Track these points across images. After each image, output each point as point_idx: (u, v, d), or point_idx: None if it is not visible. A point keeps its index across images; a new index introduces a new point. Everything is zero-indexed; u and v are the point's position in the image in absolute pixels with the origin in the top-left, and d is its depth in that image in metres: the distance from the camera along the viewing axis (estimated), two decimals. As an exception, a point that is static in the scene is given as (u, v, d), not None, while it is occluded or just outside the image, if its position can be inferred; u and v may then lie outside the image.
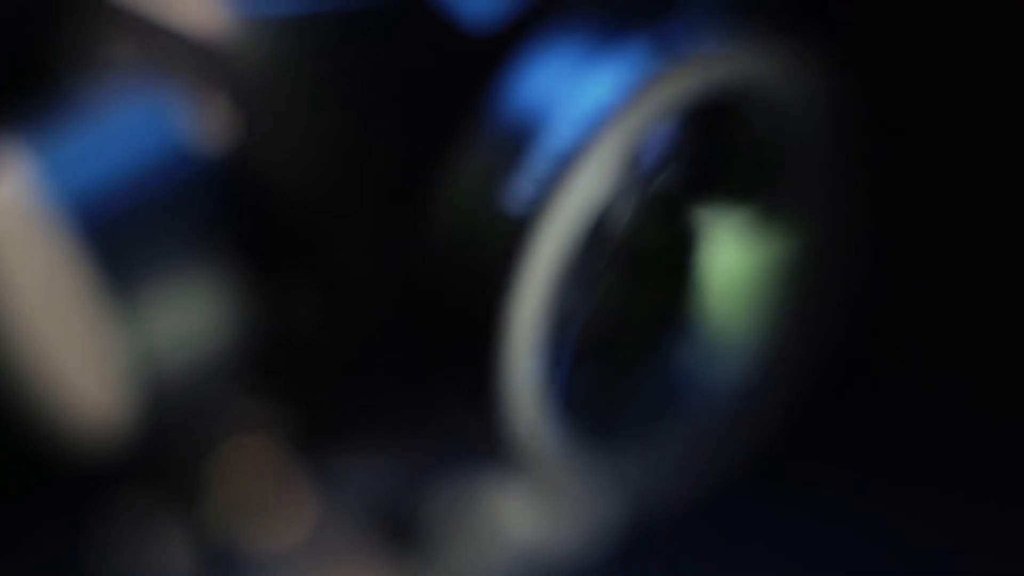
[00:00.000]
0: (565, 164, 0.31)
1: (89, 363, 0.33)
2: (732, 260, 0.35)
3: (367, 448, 0.36)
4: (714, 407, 0.36)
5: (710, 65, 0.32)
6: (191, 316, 0.33)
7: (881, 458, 0.45)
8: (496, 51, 0.32)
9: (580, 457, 0.34)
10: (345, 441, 0.35)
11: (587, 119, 0.31)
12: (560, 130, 0.31)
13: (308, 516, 0.37)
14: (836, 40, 0.33)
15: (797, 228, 0.35)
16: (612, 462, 0.34)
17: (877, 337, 0.44)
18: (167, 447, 0.38)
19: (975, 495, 0.44)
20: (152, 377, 0.33)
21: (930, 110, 0.41)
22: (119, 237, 0.32)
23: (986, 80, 0.40)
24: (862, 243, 0.35)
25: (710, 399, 0.36)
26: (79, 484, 0.42)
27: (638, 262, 0.34)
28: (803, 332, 0.36)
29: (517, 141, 0.32)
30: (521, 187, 0.31)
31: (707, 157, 0.34)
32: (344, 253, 0.33)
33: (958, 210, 0.42)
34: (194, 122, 0.33)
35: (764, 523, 0.44)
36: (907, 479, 0.44)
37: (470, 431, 0.33)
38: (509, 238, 0.31)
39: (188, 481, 0.39)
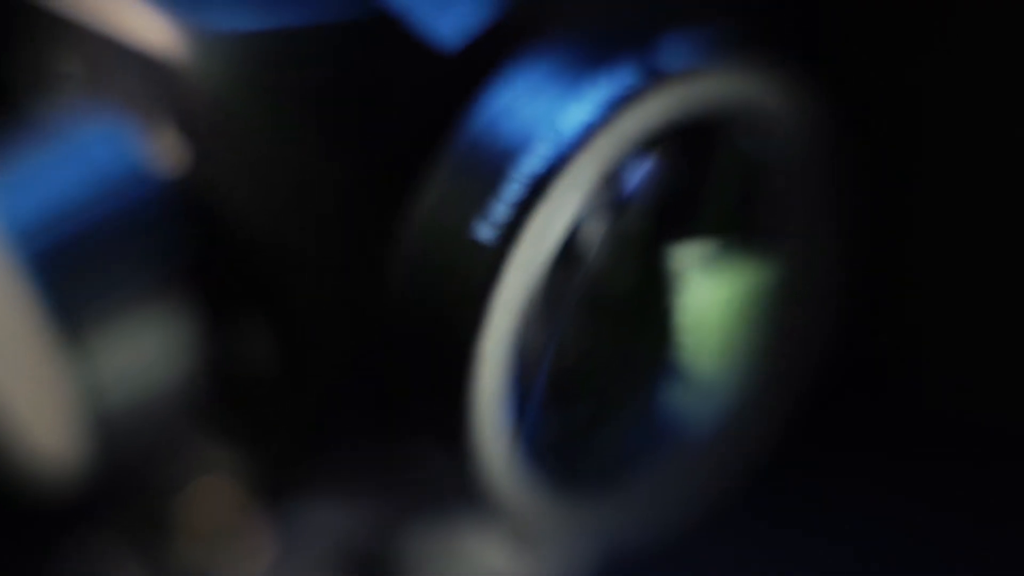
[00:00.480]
0: (542, 187, 0.30)
1: (40, 396, 0.32)
2: (711, 295, 0.34)
3: (334, 490, 0.34)
4: (696, 445, 0.34)
5: (693, 85, 0.30)
6: (142, 349, 0.31)
7: (881, 469, 0.45)
8: (469, 69, 0.31)
9: (553, 501, 0.32)
10: (310, 483, 0.34)
11: (566, 140, 0.30)
12: (537, 151, 0.30)
13: (269, 557, 0.36)
14: (825, 63, 0.32)
15: (780, 257, 0.34)
16: (588, 506, 0.33)
17: (876, 349, 0.44)
18: (127, 486, 0.37)
19: (976, 505, 0.44)
20: (104, 411, 0.32)
21: (927, 124, 0.41)
22: (68, 264, 0.31)
23: (981, 99, 0.40)
24: (859, 258, 0.35)
25: (692, 438, 0.34)
26: (39, 522, 0.41)
27: (613, 303, 0.32)
28: (789, 359, 0.35)
29: (491, 163, 0.30)
30: (495, 212, 0.30)
31: (688, 187, 0.32)
32: (305, 284, 0.31)
33: (957, 220, 0.42)
34: (148, 144, 0.32)
35: (762, 532, 0.44)
36: (908, 490, 0.44)
37: (440, 472, 0.32)
38: (483, 266, 0.30)
39: (150, 521, 0.38)
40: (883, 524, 0.44)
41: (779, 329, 0.35)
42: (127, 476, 0.36)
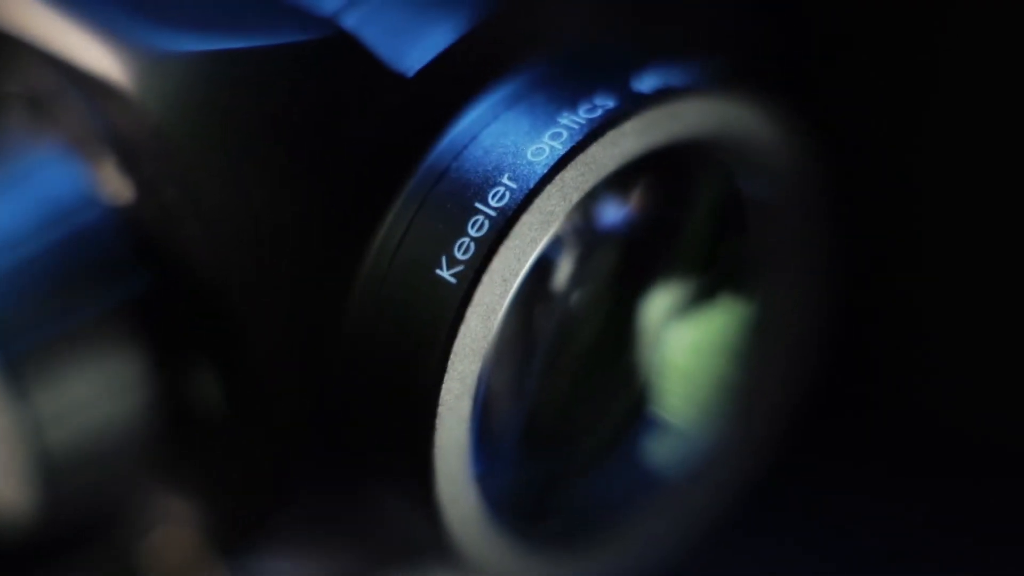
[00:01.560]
0: (510, 222, 0.28)
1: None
2: (690, 335, 0.32)
3: (296, 541, 0.33)
4: (675, 489, 0.33)
5: (670, 111, 0.29)
6: (87, 385, 0.30)
7: (881, 480, 0.44)
8: (432, 92, 0.29)
9: (525, 551, 0.31)
10: (272, 533, 0.32)
11: (535, 170, 0.28)
12: (504, 182, 0.28)
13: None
14: (812, 93, 0.30)
15: (762, 295, 0.32)
16: (562, 556, 0.32)
17: (875, 358, 0.43)
18: (86, 533, 0.36)
19: (978, 516, 0.43)
20: (51, 448, 0.30)
21: (926, 131, 0.40)
22: (8, 296, 0.29)
23: (979, 109, 0.39)
24: (853, 271, 0.34)
25: (671, 482, 0.33)
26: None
27: (587, 346, 0.31)
28: (771, 397, 0.34)
29: (455, 195, 0.28)
30: (459, 247, 0.28)
31: (666, 224, 0.31)
32: (257, 321, 0.29)
33: (957, 231, 0.41)
34: (93, 171, 0.30)
35: (761, 545, 0.43)
36: (909, 500, 0.44)
37: (406, 523, 0.30)
38: (445, 305, 0.28)
39: (111, 570, 0.36)
40: (884, 533, 0.43)
41: (760, 368, 0.33)
42: (84, 522, 0.35)
